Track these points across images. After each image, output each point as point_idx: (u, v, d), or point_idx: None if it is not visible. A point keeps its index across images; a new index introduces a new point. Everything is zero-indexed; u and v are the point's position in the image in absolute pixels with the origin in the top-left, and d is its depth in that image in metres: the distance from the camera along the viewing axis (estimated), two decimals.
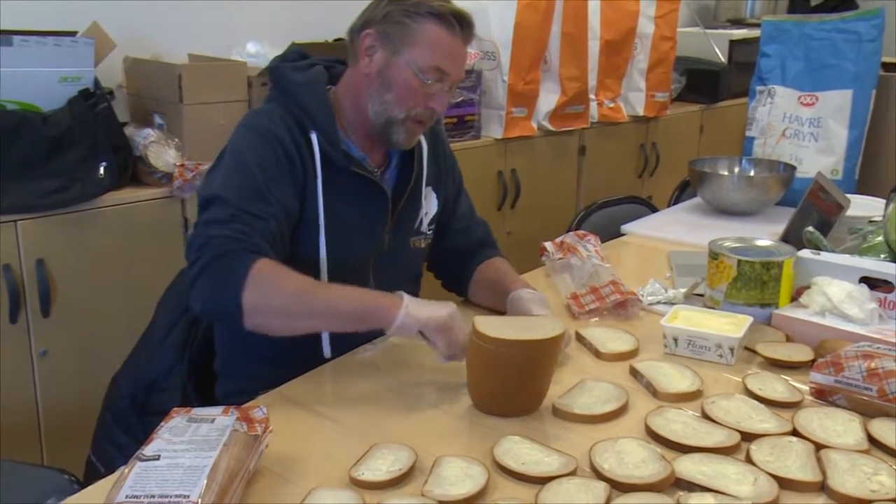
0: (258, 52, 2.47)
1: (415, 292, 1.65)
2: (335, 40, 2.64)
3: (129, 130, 2.13)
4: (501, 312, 1.49)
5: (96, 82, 2.03)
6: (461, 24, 1.39)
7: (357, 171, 1.44)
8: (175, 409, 1.06)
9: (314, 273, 1.40)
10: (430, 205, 1.58)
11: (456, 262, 1.64)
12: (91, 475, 1.48)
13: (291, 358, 1.36)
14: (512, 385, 1.19)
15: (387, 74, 1.40)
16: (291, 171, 1.39)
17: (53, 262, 1.92)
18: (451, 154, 1.66)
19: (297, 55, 1.52)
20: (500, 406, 1.20)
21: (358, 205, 1.46)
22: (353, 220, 1.46)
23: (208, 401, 1.52)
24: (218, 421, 1.02)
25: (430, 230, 1.59)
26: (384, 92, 1.40)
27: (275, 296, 1.24)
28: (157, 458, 0.95)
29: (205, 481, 0.91)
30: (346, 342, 1.41)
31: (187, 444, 0.97)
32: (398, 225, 1.53)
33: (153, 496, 0.89)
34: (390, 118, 1.41)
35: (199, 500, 0.89)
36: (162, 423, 1.03)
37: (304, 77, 1.45)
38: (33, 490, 1.18)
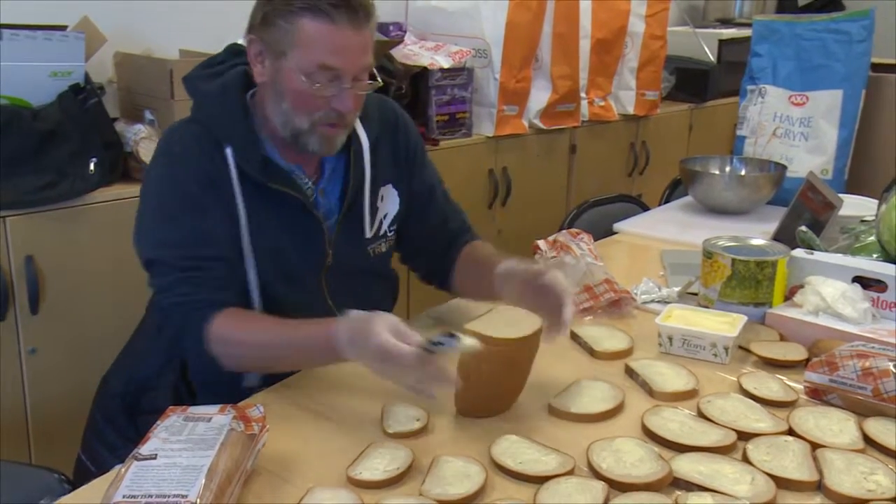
0: (202, 61, 2.44)
1: (391, 293, 1.59)
2: None
3: (119, 126, 2.11)
4: (484, 299, 1.39)
5: (87, 77, 2.01)
6: (341, 10, 1.23)
7: (276, 187, 1.34)
8: (171, 407, 1.05)
9: (247, 299, 1.35)
10: (388, 205, 1.49)
11: (434, 254, 1.55)
12: (81, 474, 1.47)
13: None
14: (497, 384, 1.18)
15: (278, 83, 1.29)
16: (216, 192, 1.32)
17: (43, 259, 1.90)
18: (416, 144, 1.54)
19: (228, 55, 1.43)
20: (483, 407, 1.19)
21: (287, 220, 1.37)
22: (286, 236, 1.38)
23: (200, 399, 1.51)
24: (215, 420, 1.01)
25: (390, 231, 1.51)
26: (280, 101, 1.30)
27: (236, 360, 1.28)
28: (154, 457, 0.94)
29: (203, 481, 0.90)
30: None
31: (184, 444, 0.96)
32: (346, 236, 1.44)
33: (150, 496, 0.89)
34: (295, 129, 1.31)
35: (198, 501, 0.88)
36: (158, 422, 1.02)
37: (214, 86, 1.35)
38: (24, 490, 1.17)
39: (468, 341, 1.09)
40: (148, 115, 2.19)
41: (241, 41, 1.43)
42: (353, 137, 1.42)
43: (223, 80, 1.37)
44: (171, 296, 1.29)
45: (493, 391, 1.19)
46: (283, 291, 1.38)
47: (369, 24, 1.27)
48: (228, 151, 1.32)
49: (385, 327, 1.10)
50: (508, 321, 1.18)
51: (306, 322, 1.26)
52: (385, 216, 1.49)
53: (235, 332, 1.26)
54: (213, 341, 1.25)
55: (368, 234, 1.47)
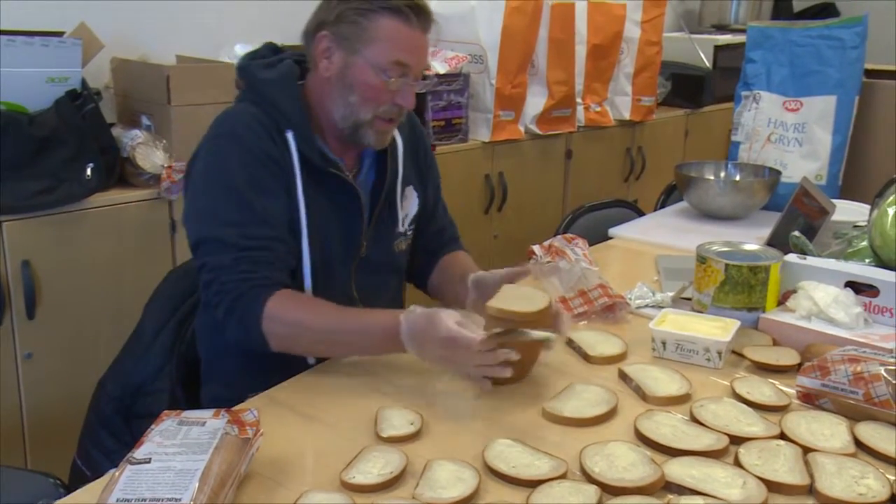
0: (246, 53, 2.46)
1: (399, 290, 1.64)
2: None
3: (116, 131, 2.12)
4: (450, 302, 1.52)
5: (83, 83, 2.01)
6: (417, 14, 1.35)
7: (334, 172, 1.41)
8: (165, 411, 1.06)
9: (297, 281, 1.39)
10: (410, 205, 1.56)
11: (424, 260, 1.63)
12: (76, 479, 1.47)
13: (275, 365, 1.36)
14: (524, 350, 1.27)
15: (348, 76, 1.36)
16: (278, 172, 1.36)
17: (39, 264, 1.90)
18: (429, 152, 1.63)
19: (268, 51, 1.48)
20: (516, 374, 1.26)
21: (336, 209, 1.43)
22: (333, 225, 1.43)
23: (196, 404, 1.52)
24: (209, 424, 1.02)
25: (409, 230, 1.57)
26: (347, 94, 1.37)
27: (288, 341, 1.32)
28: (148, 461, 0.95)
29: (196, 485, 0.91)
30: None
31: (178, 448, 0.97)
32: (378, 230, 1.50)
33: (144, 499, 0.89)
34: (358, 120, 1.39)
35: None
36: (152, 426, 1.02)
37: (273, 74, 1.41)
38: (19, 493, 1.18)
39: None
40: (145, 121, 2.20)
41: (284, 43, 1.50)
42: None
43: (279, 70, 1.42)
44: (230, 273, 1.30)
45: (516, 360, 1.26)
46: (318, 280, 1.41)
47: (431, 28, 1.40)
48: (290, 136, 1.37)
49: (451, 318, 1.20)
50: (520, 297, 1.27)
51: (367, 311, 1.35)
52: (406, 215, 1.55)
53: (294, 313, 1.31)
54: (268, 319, 1.29)
55: (401, 228, 1.54)
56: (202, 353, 1.54)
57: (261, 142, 1.36)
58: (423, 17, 1.36)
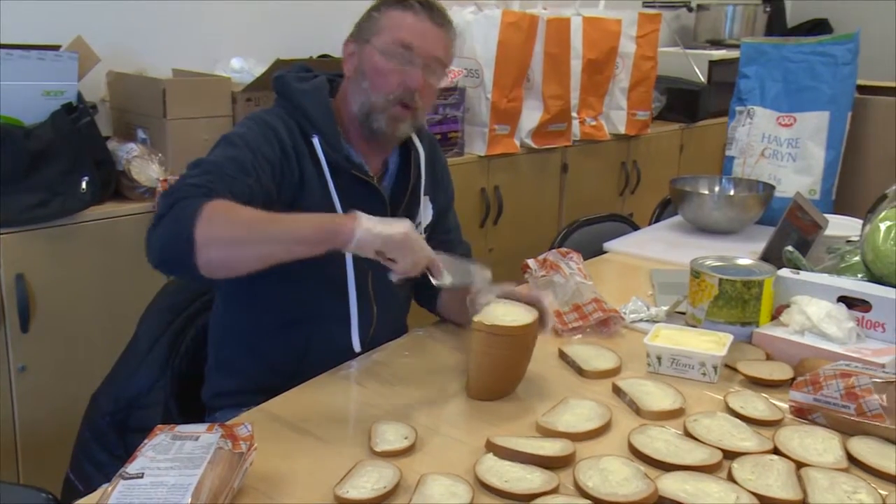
0: (242, 68, 2.47)
1: (408, 299, 1.67)
2: (319, 57, 2.65)
3: (111, 145, 2.12)
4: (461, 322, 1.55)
5: (79, 96, 2.02)
6: (423, 5, 1.44)
7: (357, 174, 1.46)
8: (159, 426, 1.05)
9: (342, 284, 1.45)
10: (426, 214, 1.59)
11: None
12: (69, 493, 1.47)
13: (282, 360, 1.43)
14: (513, 365, 1.32)
15: (361, 66, 1.46)
16: (283, 160, 1.40)
17: (33, 277, 1.90)
18: (446, 167, 1.69)
19: (301, 69, 1.55)
20: (495, 390, 1.32)
21: (365, 211, 1.43)
22: None
23: (191, 418, 1.51)
24: (202, 438, 1.02)
25: (422, 237, 1.58)
26: (361, 81, 1.46)
27: (229, 225, 1.20)
28: (141, 476, 0.95)
29: (189, 500, 0.90)
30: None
31: (171, 462, 0.97)
32: None
33: None
34: (371, 105, 1.44)
35: None
36: (145, 441, 1.02)
37: (306, 86, 1.49)
38: None
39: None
40: (140, 134, 2.20)
41: (280, 58, 1.53)
42: (411, 145, 1.56)
43: (313, 82, 1.50)
44: (190, 179, 1.26)
45: (504, 374, 1.32)
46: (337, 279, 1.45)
47: (446, 26, 1.48)
48: (316, 140, 1.43)
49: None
50: (507, 313, 1.31)
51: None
52: (420, 223, 1.58)
53: (234, 207, 1.22)
54: (206, 212, 1.18)
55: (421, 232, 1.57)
56: (211, 340, 1.56)
57: (278, 130, 1.41)
58: (430, 10, 1.45)
